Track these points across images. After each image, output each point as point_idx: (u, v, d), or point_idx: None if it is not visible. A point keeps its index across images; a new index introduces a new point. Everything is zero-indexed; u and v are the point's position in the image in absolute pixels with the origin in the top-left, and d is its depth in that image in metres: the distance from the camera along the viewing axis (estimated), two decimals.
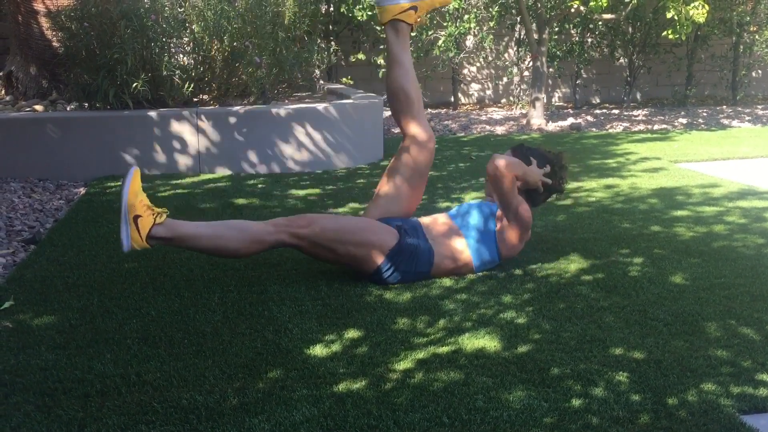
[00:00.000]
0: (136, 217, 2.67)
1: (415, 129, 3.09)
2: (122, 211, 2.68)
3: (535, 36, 7.98)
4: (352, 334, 2.43)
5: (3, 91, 6.13)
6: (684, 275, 3.01)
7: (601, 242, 3.49)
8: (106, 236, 3.56)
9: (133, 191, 2.69)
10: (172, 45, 5.39)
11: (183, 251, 3.31)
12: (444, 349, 2.31)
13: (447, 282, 2.92)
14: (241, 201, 4.33)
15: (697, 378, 2.13)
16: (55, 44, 5.70)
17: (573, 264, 3.16)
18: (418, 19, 3.13)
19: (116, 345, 2.32)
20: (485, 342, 2.37)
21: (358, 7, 8.36)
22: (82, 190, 4.67)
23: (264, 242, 2.82)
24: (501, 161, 2.88)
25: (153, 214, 2.71)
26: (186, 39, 5.53)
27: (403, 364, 2.21)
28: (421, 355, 2.27)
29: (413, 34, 3.15)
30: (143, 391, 2.03)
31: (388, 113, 8.46)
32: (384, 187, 3.11)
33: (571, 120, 8.33)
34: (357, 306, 2.66)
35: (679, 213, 4.08)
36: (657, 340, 2.38)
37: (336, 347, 2.32)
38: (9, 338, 2.37)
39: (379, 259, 2.85)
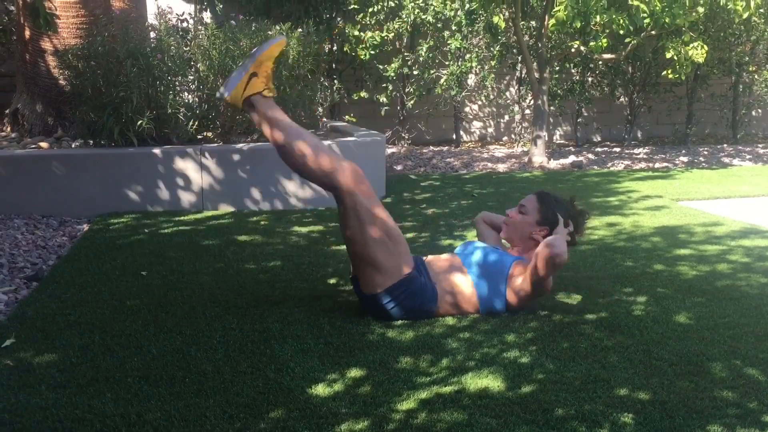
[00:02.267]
0: (254, 75, 2.77)
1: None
2: (249, 58, 2.77)
3: (536, 75, 8.06)
4: (354, 373, 2.41)
5: (9, 128, 6.18)
6: (688, 315, 3.00)
7: (604, 281, 3.48)
8: (109, 273, 3.55)
9: (269, 53, 2.78)
10: (177, 83, 5.45)
11: (183, 288, 3.31)
12: (447, 389, 2.29)
13: (450, 320, 2.90)
14: (243, 238, 4.34)
15: (703, 419, 2.11)
16: (62, 82, 5.77)
17: (576, 302, 3.14)
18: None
19: (117, 384, 2.31)
20: (489, 382, 2.35)
21: (360, 46, 8.46)
22: (86, 227, 4.68)
23: (324, 170, 2.82)
24: (562, 251, 2.72)
25: (266, 84, 2.78)
26: (191, 77, 5.59)
27: (406, 404, 2.19)
28: (424, 394, 2.25)
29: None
30: (143, 431, 2.01)
31: (390, 150, 8.51)
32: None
33: (572, 158, 8.36)
34: (359, 344, 2.65)
35: (682, 251, 4.08)
36: (662, 381, 2.36)
37: (338, 386, 2.31)
38: (9, 376, 2.36)
39: (387, 282, 2.81)
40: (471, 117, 9.77)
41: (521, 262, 2.97)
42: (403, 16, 8.60)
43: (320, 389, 2.29)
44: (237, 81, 2.88)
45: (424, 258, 3.04)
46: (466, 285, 2.94)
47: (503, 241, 3.23)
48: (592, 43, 7.33)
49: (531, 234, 3.04)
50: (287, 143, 2.86)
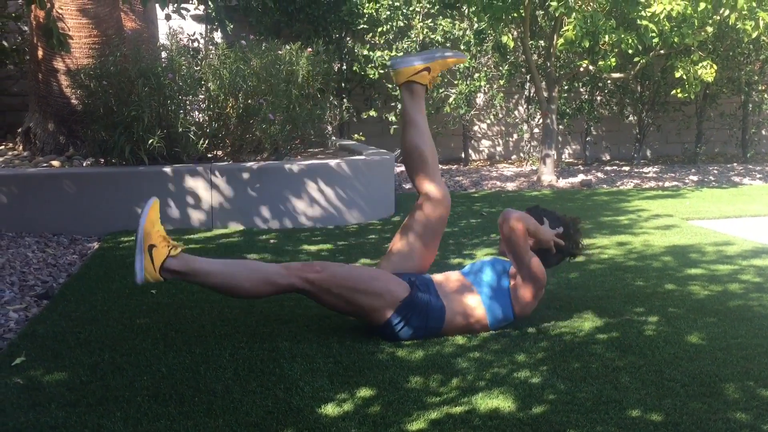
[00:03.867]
0: (151, 247, 2.68)
1: (429, 187, 3.11)
2: (137, 240, 2.68)
3: (545, 94, 8.08)
4: (364, 392, 2.40)
5: (21, 147, 6.23)
6: (700, 335, 2.98)
7: (615, 300, 3.46)
8: (119, 291, 3.56)
9: (150, 221, 2.71)
10: (187, 102, 5.49)
11: (193, 307, 3.31)
12: (458, 409, 2.28)
13: (460, 340, 2.89)
14: (253, 256, 4.34)
15: None
16: (74, 101, 5.82)
17: (587, 322, 3.13)
18: (432, 80, 3.19)
19: (126, 403, 2.30)
20: (499, 402, 2.33)
21: (370, 65, 8.51)
22: (96, 245, 4.69)
23: (275, 284, 2.82)
24: (512, 214, 2.91)
25: (168, 246, 2.72)
26: (202, 96, 5.63)
27: (416, 425, 2.18)
28: (434, 415, 2.24)
29: (426, 93, 3.21)
30: None
31: (399, 169, 8.52)
32: (397, 243, 3.11)
33: (581, 177, 8.36)
34: (369, 364, 2.64)
35: (693, 271, 4.05)
36: (674, 402, 2.34)
37: (348, 406, 2.29)
38: (20, 395, 2.36)
39: (389, 312, 2.83)
40: (480, 136, 9.78)
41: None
42: (412, 35, 8.65)
43: (330, 409, 2.28)
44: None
45: (432, 277, 3.04)
46: (475, 303, 2.93)
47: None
48: (600, 63, 7.35)
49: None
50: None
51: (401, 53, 8.53)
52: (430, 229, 3.09)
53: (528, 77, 9.10)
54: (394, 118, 8.85)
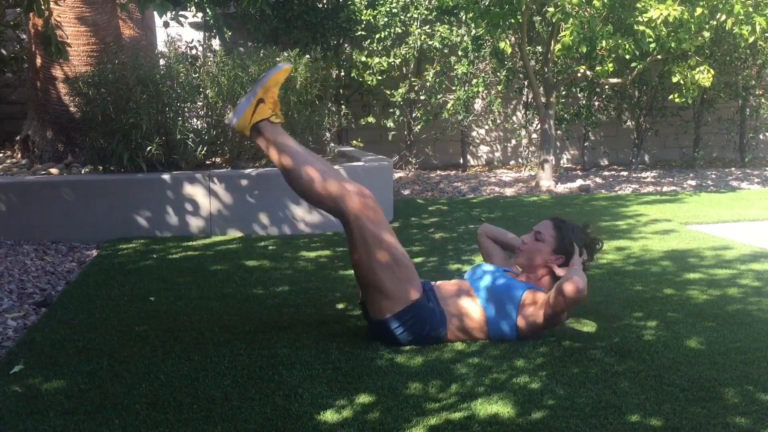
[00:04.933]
0: (260, 101, 2.79)
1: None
2: (256, 85, 2.79)
3: (543, 99, 8.09)
4: (363, 399, 2.39)
5: (19, 155, 6.23)
6: (699, 339, 2.98)
7: (614, 305, 3.46)
8: (117, 299, 3.56)
9: (275, 80, 2.81)
10: (186, 109, 5.50)
11: (191, 314, 3.31)
12: (457, 415, 2.27)
13: (459, 346, 2.89)
14: (251, 263, 4.34)
15: None
16: (72, 109, 5.82)
17: (586, 327, 3.13)
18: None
19: (125, 410, 2.30)
20: (499, 408, 2.33)
21: (368, 72, 8.53)
22: (94, 253, 4.69)
23: (333, 199, 2.81)
24: (584, 285, 2.71)
25: (274, 111, 2.80)
26: (200, 103, 5.64)
27: (416, 431, 2.17)
28: (433, 421, 2.24)
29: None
30: None
31: (397, 175, 8.53)
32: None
33: (579, 182, 8.36)
34: (368, 370, 2.63)
35: (692, 276, 4.05)
36: (674, 407, 2.34)
37: (347, 413, 2.29)
38: (18, 403, 2.35)
39: (394, 308, 2.80)
40: (478, 141, 9.79)
41: (534, 291, 2.93)
42: (410, 42, 8.67)
43: (329, 415, 2.27)
44: (245, 108, 2.88)
45: (433, 283, 3.03)
46: (475, 311, 2.92)
47: (517, 267, 3.18)
48: (598, 68, 7.37)
49: (547, 262, 3.01)
50: (294, 168, 2.85)
51: (394, 60, 8.55)
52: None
53: (526, 83, 9.11)
54: (392, 125, 8.86)
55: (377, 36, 8.57)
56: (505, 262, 3.28)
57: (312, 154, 2.95)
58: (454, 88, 8.90)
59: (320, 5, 8.73)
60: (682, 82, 7.20)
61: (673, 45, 6.86)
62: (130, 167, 5.21)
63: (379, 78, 8.53)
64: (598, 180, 8.65)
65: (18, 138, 6.31)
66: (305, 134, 5.98)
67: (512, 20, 7.51)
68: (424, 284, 2.94)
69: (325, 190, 2.84)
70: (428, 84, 8.86)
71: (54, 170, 5.61)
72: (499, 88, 9.09)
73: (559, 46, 7.13)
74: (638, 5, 6.80)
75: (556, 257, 2.99)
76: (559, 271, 2.96)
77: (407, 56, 8.70)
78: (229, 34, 8.42)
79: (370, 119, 8.88)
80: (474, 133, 9.71)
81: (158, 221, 5.10)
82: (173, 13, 6.58)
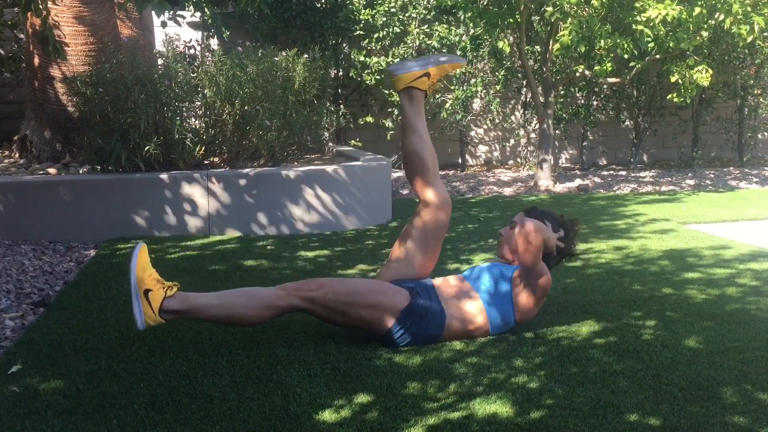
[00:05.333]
0: (147, 292, 2.68)
1: (429, 193, 3.11)
2: (132, 288, 2.68)
3: (542, 99, 8.09)
4: (361, 398, 2.39)
5: (17, 155, 6.22)
6: (697, 339, 2.98)
7: (613, 305, 3.46)
8: (115, 299, 3.55)
9: (141, 266, 2.70)
10: (184, 109, 5.49)
11: None
12: (455, 415, 2.27)
13: (458, 345, 2.88)
14: (250, 263, 4.34)
15: None
16: (70, 109, 5.82)
17: (584, 327, 3.13)
18: (432, 86, 3.18)
19: (123, 410, 2.30)
20: (497, 407, 2.33)
21: (366, 71, 8.52)
22: (92, 253, 4.68)
23: (276, 307, 2.82)
24: (532, 225, 2.83)
25: (164, 288, 2.72)
26: (198, 103, 5.63)
27: (414, 430, 2.17)
28: (432, 420, 2.23)
29: (427, 97, 3.19)
30: None
31: (395, 175, 8.52)
32: (396, 251, 3.11)
33: (578, 181, 8.36)
34: (366, 370, 2.63)
35: (691, 275, 4.05)
36: (672, 406, 2.34)
37: (345, 412, 2.29)
38: (16, 403, 2.35)
39: (390, 322, 2.83)
40: (476, 141, 9.79)
41: (519, 269, 2.99)
42: (409, 41, 8.67)
43: (327, 415, 2.27)
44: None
45: (433, 282, 3.03)
46: (475, 309, 2.92)
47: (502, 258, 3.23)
48: (596, 68, 7.36)
49: None
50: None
51: (397, 59, 8.55)
52: (428, 235, 3.07)
53: (524, 82, 9.11)
54: (390, 124, 8.86)
55: (376, 35, 8.56)
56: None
57: (234, 292, 2.94)
58: (452, 87, 8.90)
59: (318, 5, 8.72)
60: (680, 81, 7.20)
61: (671, 44, 6.86)
62: (128, 167, 5.20)
63: (378, 78, 8.52)
64: (597, 179, 8.65)
65: (16, 138, 6.30)
66: (304, 134, 5.98)
67: (511, 20, 7.51)
68: (416, 284, 2.95)
69: (269, 310, 2.83)
70: None
71: (52, 170, 5.60)
72: (498, 87, 9.09)
73: (557, 45, 7.13)
74: (637, 5, 6.80)
75: None
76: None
77: (406, 56, 8.69)
78: (228, 33, 8.41)
79: (369, 119, 8.88)
80: (472, 133, 9.71)
81: (156, 221, 5.10)
82: (171, 12, 6.58)
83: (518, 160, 9.79)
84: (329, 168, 5.50)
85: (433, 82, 3.17)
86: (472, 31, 8.48)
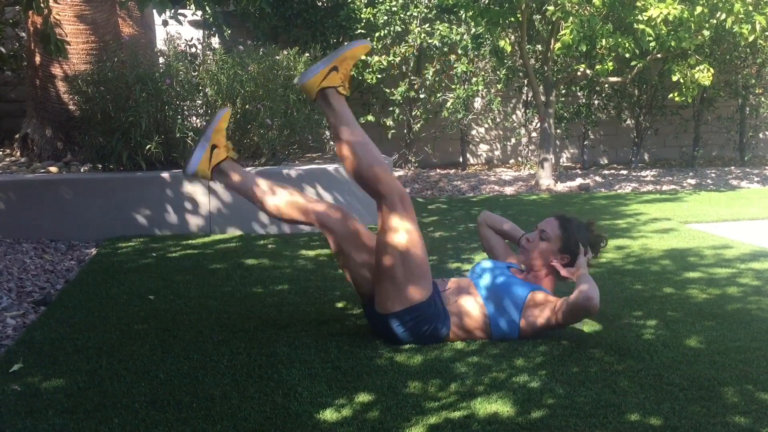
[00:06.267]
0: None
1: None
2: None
3: (543, 98, 8.09)
4: (362, 398, 2.39)
5: (18, 153, 6.22)
6: (698, 338, 2.98)
7: (614, 304, 3.46)
8: (116, 297, 3.55)
9: (353, 54, 2.92)
10: (185, 108, 5.49)
11: (191, 312, 3.30)
12: (456, 414, 2.27)
13: (459, 345, 2.88)
14: (251, 261, 4.34)
15: None
16: (71, 107, 5.82)
17: (585, 326, 3.13)
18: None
19: (124, 409, 2.30)
20: (498, 407, 2.33)
21: (367, 70, 8.52)
22: (94, 251, 4.69)
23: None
24: (597, 299, 2.73)
25: (343, 82, 2.89)
26: (199, 102, 5.64)
27: (415, 430, 2.17)
28: (433, 420, 2.23)
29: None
30: None
31: (397, 173, 8.52)
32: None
33: (579, 180, 8.36)
34: (367, 369, 2.63)
35: (692, 275, 4.05)
36: (673, 406, 2.34)
37: (346, 411, 2.29)
38: (17, 402, 2.35)
39: (400, 305, 2.78)
40: (477, 140, 9.79)
41: (538, 292, 2.91)
42: (410, 40, 8.67)
43: (328, 414, 2.27)
44: (317, 71, 2.96)
45: (435, 281, 3.01)
46: (477, 310, 2.91)
47: (522, 266, 3.14)
48: (598, 67, 7.36)
49: (551, 261, 3.00)
50: (354, 142, 2.93)
51: (394, 58, 8.54)
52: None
53: (525, 81, 9.11)
54: (392, 123, 8.86)
55: (377, 34, 8.56)
56: (507, 253, 3.26)
57: (365, 137, 3.00)
58: (453, 86, 8.90)
59: (320, 3, 8.72)
60: (681, 80, 7.20)
61: (672, 44, 6.85)
62: (130, 165, 5.20)
63: (379, 76, 8.52)
64: (598, 179, 8.64)
65: (17, 136, 6.30)
66: (305, 132, 5.98)
67: (512, 18, 7.51)
68: (433, 284, 2.91)
69: (372, 172, 2.88)
70: (428, 82, 8.85)
71: (53, 168, 5.61)
72: (499, 86, 9.09)
73: (558, 44, 7.12)
74: (638, 4, 6.79)
75: (561, 257, 2.99)
76: (564, 272, 2.96)
77: (407, 55, 8.69)
78: (229, 32, 8.41)
79: (370, 118, 8.87)
80: (474, 132, 9.71)
81: (158, 220, 5.10)
82: (172, 11, 6.56)
83: (519, 159, 9.79)
84: (330, 167, 5.50)
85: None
86: (473, 29, 8.48)
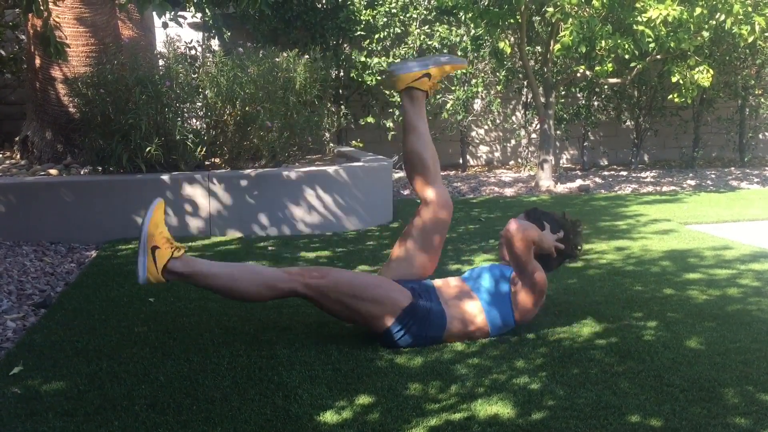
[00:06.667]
0: (155, 248, 2.70)
1: (429, 192, 3.12)
2: (141, 241, 2.70)
3: (542, 99, 8.09)
4: (363, 400, 2.39)
5: (18, 156, 6.22)
6: (699, 340, 2.97)
7: (614, 305, 3.46)
8: (117, 300, 3.55)
9: (155, 222, 2.72)
10: (185, 110, 5.49)
11: (191, 315, 3.30)
12: (457, 416, 2.27)
13: (459, 346, 2.88)
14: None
15: None
16: (71, 110, 5.82)
17: (586, 328, 3.13)
18: (433, 86, 3.17)
19: (124, 412, 2.30)
20: (498, 408, 2.33)
21: (367, 72, 8.52)
22: (94, 254, 4.68)
23: (276, 289, 2.82)
24: (515, 225, 2.87)
25: (171, 248, 2.73)
26: (199, 104, 5.64)
27: None
28: (433, 421, 2.23)
29: (428, 97, 3.18)
30: None
31: (397, 175, 8.52)
32: (397, 250, 3.11)
33: (579, 182, 8.36)
34: (368, 371, 2.63)
35: (692, 276, 4.05)
36: (674, 407, 2.34)
37: (347, 414, 2.29)
38: (17, 405, 2.35)
39: (390, 320, 2.82)
40: (477, 141, 9.79)
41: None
42: (409, 42, 8.67)
43: (329, 416, 2.27)
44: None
45: (433, 282, 3.03)
46: (475, 310, 2.92)
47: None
48: (597, 68, 7.36)
49: None
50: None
51: (398, 59, 8.55)
52: (428, 235, 3.07)
53: (525, 83, 9.11)
54: (391, 125, 8.86)
55: (376, 36, 8.56)
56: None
57: (240, 265, 3.02)
58: (453, 88, 8.90)
59: (319, 5, 8.72)
60: (681, 81, 7.20)
61: (672, 45, 6.86)
62: (130, 168, 5.20)
63: (379, 78, 8.52)
64: (598, 180, 8.64)
65: (17, 139, 6.31)
66: (305, 134, 5.99)
67: (511, 20, 7.51)
68: (418, 285, 2.95)
69: (273, 291, 2.83)
70: None
71: (53, 171, 5.61)
72: (499, 88, 9.09)
73: (558, 46, 7.13)
74: (637, 5, 6.80)
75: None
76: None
77: (406, 56, 8.69)
78: (228, 34, 8.42)
79: (370, 119, 8.88)
80: (473, 133, 9.71)
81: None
82: (172, 13, 6.58)
83: (519, 160, 9.79)
84: (330, 169, 5.50)
85: (433, 83, 3.16)
86: (472, 31, 8.49)
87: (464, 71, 8.71)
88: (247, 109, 5.49)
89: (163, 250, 2.71)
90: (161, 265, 2.70)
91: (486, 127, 9.67)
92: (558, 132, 9.10)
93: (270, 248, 4.80)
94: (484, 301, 2.93)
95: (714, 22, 6.96)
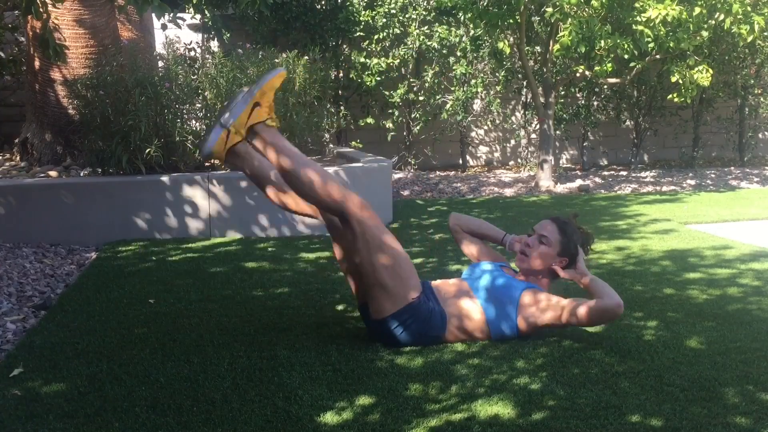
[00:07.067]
0: (257, 104, 2.79)
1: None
2: (252, 88, 2.78)
3: (542, 99, 8.09)
4: (363, 400, 2.39)
5: (18, 157, 6.22)
6: (699, 339, 2.97)
7: None
8: (117, 301, 3.55)
9: (271, 85, 2.81)
10: (185, 111, 5.50)
11: (191, 316, 3.30)
12: (457, 416, 2.27)
13: (459, 346, 2.88)
14: (251, 265, 4.34)
15: None
16: (71, 111, 5.82)
17: (586, 328, 3.12)
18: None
19: (124, 413, 2.29)
20: (499, 409, 2.33)
21: (366, 73, 8.53)
22: (94, 255, 4.68)
23: (330, 197, 2.78)
24: (621, 305, 2.79)
25: (270, 114, 2.81)
26: (199, 105, 5.64)
27: None
28: (433, 422, 2.23)
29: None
30: None
31: (396, 176, 8.53)
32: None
33: (579, 182, 8.36)
34: (368, 372, 2.63)
35: (692, 275, 4.05)
36: (674, 407, 2.34)
37: (347, 414, 2.29)
38: (17, 406, 2.35)
39: (396, 306, 2.80)
40: (477, 142, 9.79)
41: (533, 291, 2.93)
42: (409, 42, 8.67)
43: (329, 417, 2.27)
44: (241, 110, 2.84)
45: (432, 283, 3.03)
46: (474, 310, 2.92)
47: (512, 265, 3.19)
48: (597, 68, 7.36)
49: (551, 265, 3.01)
50: (294, 169, 2.82)
51: (393, 61, 8.54)
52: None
53: (524, 83, 9.11)
54: (391, 125, 8.86)
55: (376, 37, 8.57)
56: (490, 254, 3.27)
57: (309, 158, 2.94)
58: (452, 88, 8.90)
59: (318, 6, 8.73)
60: (680, 81, 7.20)
61: (671, 44, 6.86)
62: (129, 169, 5.21)
63: (378, 79, 8.53)
64: (598, 180, 8.64)
65: (17, 141, 6.31)
66: (304, 135, 5.99)
67: (511, 20, 7.51)
68: (423, 284, 2.94)
69: (325, 191, 2.81)
70: (427, 85, 8.86)
71: (53, 173, 5.61)
72: (498, 88, 9.09)
73: (557, 46, 7.13)
74: (637, 5, 6.80)
75: (561, 260, 3.00)
76: (563, 274, 2.98)
77: (406, 57, 8.70)
78: (228, 35, 8.42)
79: (369, 120, 8.88)
80: (473, 134, 9.71)
81: (157, 223, 5.10)
82: (171, 15, 6.58)
83: (519, 160, 9.79)
84: (330, 169, 5.50)
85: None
86: (472, 32, 8.49)
87: (463, 71, 8.69)
88: None
89: (263, 110, 2.79)
90: (253, 121, 2.78)
91: (486, 127, 9.67)
92: (558, 132, 9.10)
93: (270, 249, 4.80)
94: (482, 300, 2.92)
95: (713, 22, 6.96)
